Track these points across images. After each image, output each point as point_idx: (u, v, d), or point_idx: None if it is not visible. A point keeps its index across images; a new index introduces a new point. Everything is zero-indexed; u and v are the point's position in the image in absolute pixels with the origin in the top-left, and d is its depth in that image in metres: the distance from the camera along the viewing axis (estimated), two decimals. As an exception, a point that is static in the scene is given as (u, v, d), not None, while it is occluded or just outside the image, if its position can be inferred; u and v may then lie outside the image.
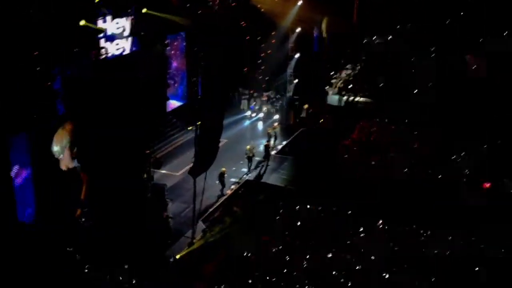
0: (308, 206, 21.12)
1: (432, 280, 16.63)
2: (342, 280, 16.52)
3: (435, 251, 18.06)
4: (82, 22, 16.85)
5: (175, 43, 29.79)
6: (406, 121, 30.67)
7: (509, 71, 29.85)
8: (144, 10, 20.73)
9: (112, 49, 20.61)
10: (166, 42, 25.40)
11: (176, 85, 30.62)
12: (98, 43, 19.46)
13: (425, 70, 33.07)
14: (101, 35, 19.77)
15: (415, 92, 32.98)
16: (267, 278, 16.58)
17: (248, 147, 26.22)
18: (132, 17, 20.67)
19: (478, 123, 27.06)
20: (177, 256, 18.06)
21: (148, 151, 19.93)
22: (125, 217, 17.89)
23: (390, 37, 37.33)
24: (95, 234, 17.24)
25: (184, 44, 30.01)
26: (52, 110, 16.91)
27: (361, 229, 19.38)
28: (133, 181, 18.83)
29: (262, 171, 25.93)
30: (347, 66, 38.84)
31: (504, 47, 30.57)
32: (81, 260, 16.40)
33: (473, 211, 20.35)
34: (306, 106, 33.95)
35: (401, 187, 22.72)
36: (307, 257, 17.63)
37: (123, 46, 21.22)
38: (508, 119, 27.23)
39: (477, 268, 17.05)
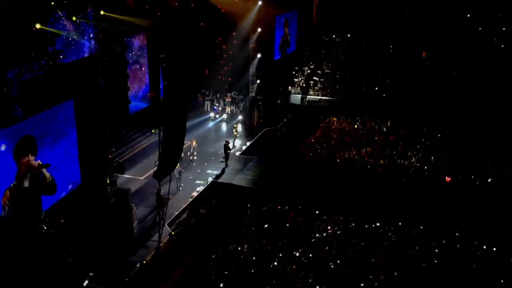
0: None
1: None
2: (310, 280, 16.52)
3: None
4: (38, 26, 16.34)
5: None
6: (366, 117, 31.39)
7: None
8: (101, 12, 20.30)
9: (69, 52, 20.08)
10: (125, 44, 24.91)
11: (143, 68, 29.91)
12: (54, 46, 18.93)
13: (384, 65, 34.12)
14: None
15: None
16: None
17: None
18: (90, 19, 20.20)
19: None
20: (144, 262, 17.76)
21: (110, 156, 19.57)
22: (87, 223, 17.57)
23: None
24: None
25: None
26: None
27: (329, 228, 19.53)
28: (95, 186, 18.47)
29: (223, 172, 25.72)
30: (309, 65, 39.32)
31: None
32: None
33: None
34: (279, 101, 34.89)
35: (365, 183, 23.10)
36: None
37: (81, 49, 20.74)
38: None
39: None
